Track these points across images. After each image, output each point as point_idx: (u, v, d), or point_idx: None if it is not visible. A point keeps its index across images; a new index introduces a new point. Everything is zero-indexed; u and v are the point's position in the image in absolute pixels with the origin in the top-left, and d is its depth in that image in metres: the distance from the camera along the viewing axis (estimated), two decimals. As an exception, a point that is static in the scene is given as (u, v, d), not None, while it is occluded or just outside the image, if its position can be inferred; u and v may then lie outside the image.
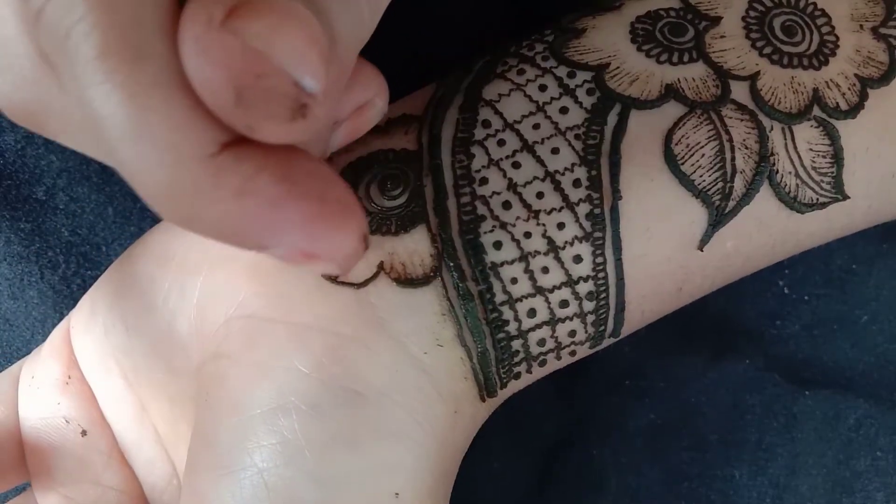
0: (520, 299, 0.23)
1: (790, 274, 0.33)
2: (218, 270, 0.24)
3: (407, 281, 0.23)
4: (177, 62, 0.14)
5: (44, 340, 0.29)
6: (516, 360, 0.24)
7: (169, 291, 0.25)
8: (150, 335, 0.25)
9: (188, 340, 0.24)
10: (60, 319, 0.30)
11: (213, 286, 0.24)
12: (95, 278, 0.31)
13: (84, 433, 0.27)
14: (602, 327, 0.25)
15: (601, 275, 0.24)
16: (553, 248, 0.23)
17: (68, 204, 0.31)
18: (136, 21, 0.14)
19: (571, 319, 0.24)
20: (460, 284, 0.23)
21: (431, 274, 0.23)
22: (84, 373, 0.27)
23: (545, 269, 0.23)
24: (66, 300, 0.31)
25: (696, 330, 0.32)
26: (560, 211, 0.23)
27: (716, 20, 0.25)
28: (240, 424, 0.22)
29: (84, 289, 0.31)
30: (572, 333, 0.24)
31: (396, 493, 0.22)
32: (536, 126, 0.24)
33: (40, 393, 0.27)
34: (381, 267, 0.23)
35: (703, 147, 0.24)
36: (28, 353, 0.30)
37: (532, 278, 0.23)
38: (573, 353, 0.25)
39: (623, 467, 0.30)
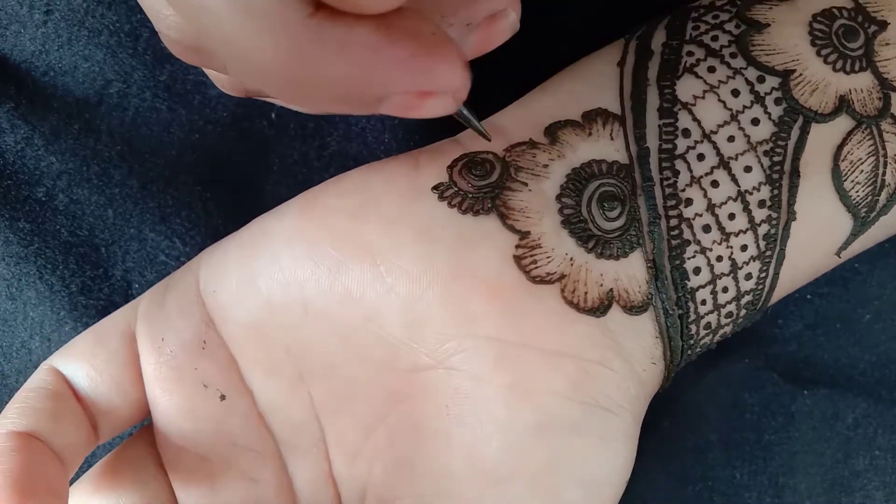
0: (703, 316, 0.25)
1: (793, 273, 0.33)
2: (450, 283, 0.24)
3: (632, 308, 0.25)
4: None
5: (42, 341, 0.29)
6: (683, 363, 0.27)
7: (370, 285, 0.25)
8: (336, 323, 0.25)
9: (395, 340, 0.25)
10: (58, 321, 0.30)
11: (441, 297, 0.24)
12: (94, 280, 0.31)
13: (223, 398, 0.26)
14: (741, 327, 0.27)
15: (761, 287, 0.26)
16: (734, 269, 0.25)
17: (68, 205, 0.31)
18: None
19: (729, 325, 0.26)
20: (670, 311, 0.25)
21: (647, 300, 0.25)
22: (225, 338, 0.26)
23: (725, 289, 0.25)
24: (64, 301, 0.30)
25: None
26: (745, 233, 0.25)
27: (883, 25, 0.26)
28: (507, 441, 0.24)
29: (83, 291, 0.31)
30: (724, 335, 0.27)
31: (625, 481, 0.26)
32: (731, 139, 0.25)
33: (174, 356, 0.26)
34: (611, 294, 0.25)
35: (863, 163, 0.25)
36: (26, 354, 0.30)
37: (715, 298, 0.25)
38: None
39: (632, 473, 0.30)
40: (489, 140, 0.25)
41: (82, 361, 0.26)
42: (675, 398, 0.31)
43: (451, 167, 0.25)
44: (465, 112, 0.24)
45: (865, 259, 0.33)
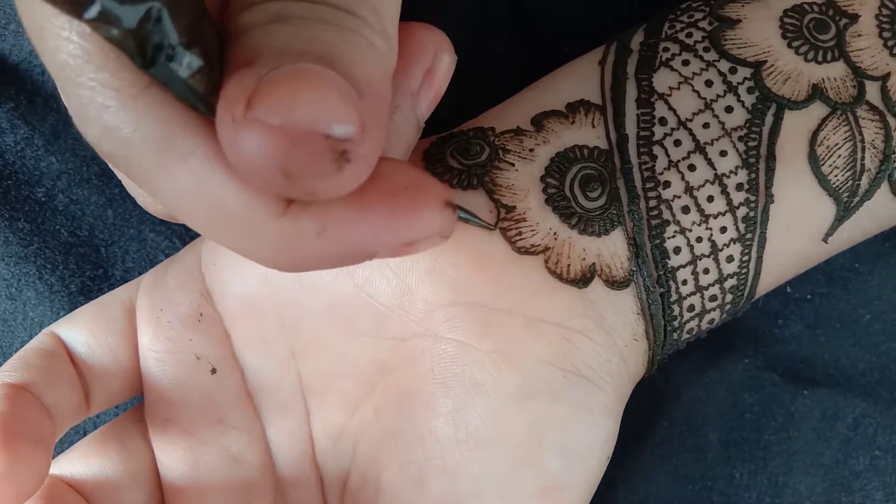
0: (685, 297, 0.26)
1: (792, 273, 0.33)
2: (439, 253, 0.25)
3: (613, 282, 0.25)
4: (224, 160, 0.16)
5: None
6: (670, 349, 0.27)
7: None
8: (330, 294, 0.26)
9: (385, 310, 0.26)
10: (57, 321, 0.30)
11: (430, 267, 0.25)
12: (94, 280, 0.31)
13: (214, 371, 0.27)
14: (732, 315, 0.27)
15: (744, 271, 0.26)
16: (714, 251, 0.26)
17: (68, 205, 0.31)
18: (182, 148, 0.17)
19: (715, 310, 0.27)
20: (651, 289, 0.25)
21: (629, 276, 0.26)
22: (221, 312, 0.27)
23: (706, 271, 0.26)
24: (63, 301, 0.31)
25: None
26: (724, 215, 0.26)
27: (854, 17, 0.27)
28: (489, 404, 0.25)
29: (83, 291, 0.31)
30: (711, 321, 0.27)
31: (608, 457, 0.26)
32: (706, 125, 0.26)
33: (171, 327, 0.27)
34: (594, 268, 0.25)
35: (840, 148, 0.26)
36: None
37: (696, 279, 0.26)
38: (698, 338, 0.28)
39: (630, 473, 0.30)
40: (493, 228, 0.25)
41: (82, 328, 0.27)
42: (675, 398, 0.31)
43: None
44: (463, 215, 0.25)
45: (866, 259, 0.33)
